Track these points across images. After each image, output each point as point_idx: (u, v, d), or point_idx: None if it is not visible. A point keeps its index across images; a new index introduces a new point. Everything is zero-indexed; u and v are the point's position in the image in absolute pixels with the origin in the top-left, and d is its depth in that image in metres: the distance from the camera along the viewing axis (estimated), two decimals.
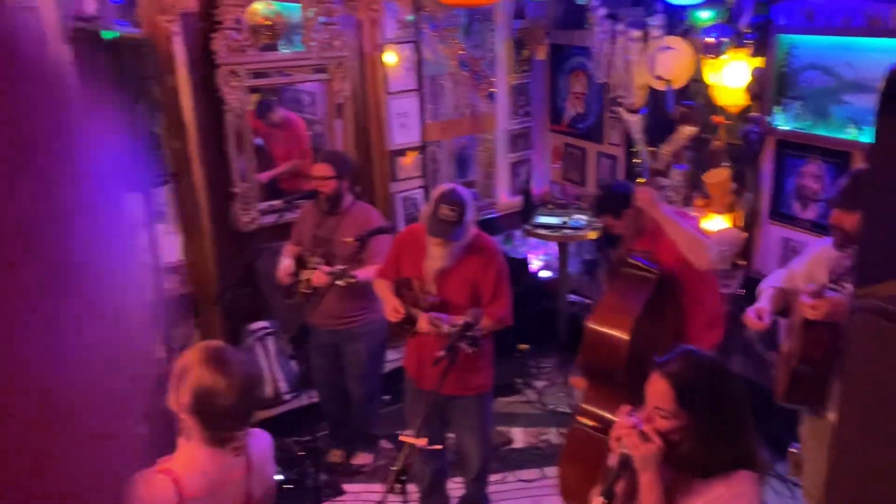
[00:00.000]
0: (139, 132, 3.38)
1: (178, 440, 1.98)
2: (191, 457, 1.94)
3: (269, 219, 4.68)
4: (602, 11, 4.94)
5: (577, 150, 6.01)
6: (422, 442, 2.57)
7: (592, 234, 5.34)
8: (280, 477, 4.03)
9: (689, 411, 1.97)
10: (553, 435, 4.75)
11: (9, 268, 0.36)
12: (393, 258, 3.58)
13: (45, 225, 0.38)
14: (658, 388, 2.01)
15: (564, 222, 5.39)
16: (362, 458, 4.52)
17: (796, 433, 3.31)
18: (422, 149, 5.46)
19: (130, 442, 0.49)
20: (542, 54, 5.90)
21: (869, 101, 3.82)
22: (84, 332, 0.41)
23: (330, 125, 5.04)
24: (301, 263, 4.05)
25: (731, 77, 4.28)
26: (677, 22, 4.63)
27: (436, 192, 3.31)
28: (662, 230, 3.20)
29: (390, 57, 5.10)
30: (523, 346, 5.56)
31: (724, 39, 4.25)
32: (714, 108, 4.50)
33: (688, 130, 3.46)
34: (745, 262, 4.56)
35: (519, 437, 4.79)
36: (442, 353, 2.89)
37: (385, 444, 4.60)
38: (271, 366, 4.74)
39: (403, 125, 5.32)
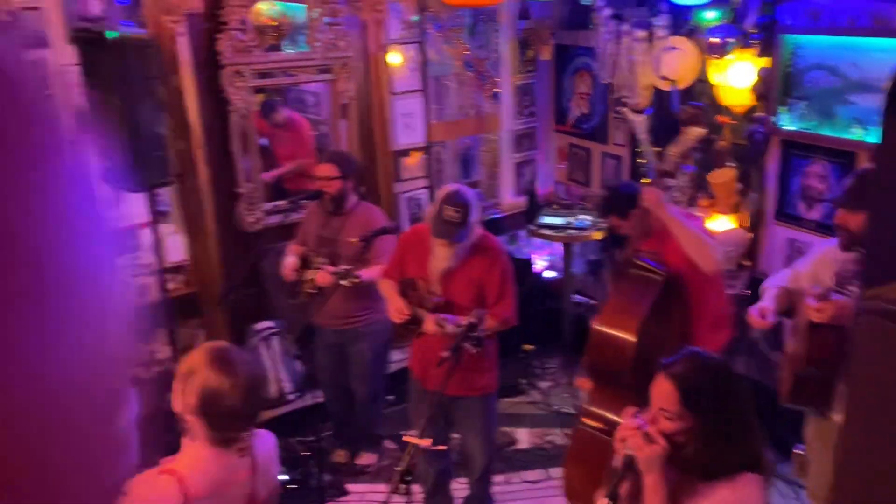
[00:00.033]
0: (144, 132, 3.39)
1: (183, 440, 1.98)
2: (196, 457, 1.95)
3: (274, 219, 4.69)
4: (607, 12, 4.93)
5: (582, 151, 6.00)
6: (426, 442, 2.57)
7: (597, 235, 5.33)
8: (284, 477, 4.02)
9: (694, 413, 1.96)
10: (558, 436, 4.75)
11: None
12: (397, 258, 3.58)
13: (28, 231, 0.39)
14: (663, 390, 2.01)
15: (569, 222, 5.38)
16: (366, 459, 4.52)
17: (801, 434, 3.30)
18: (426, 149, 5.46)
19: (117, 442, 0.49)
20: (546, 55, 5.90)
21: (874, 102, 3.81)
22: (67, 335, 0.41)
23: (334, 125, 5.05)
24: (306, 263, 4.05)
25: (737, 77, 4.27)
26: (682, 22, 4.63)
27: (440, 193, 3.31)
28: (669, 231, 3.20)
29: (395, 57, 5.11)
30: (528, 347, 5.56)
31: (730, 40, 4.24)
32: (719, 109, 4.49)
33: (695, 132, 3.45)
34: (750, 263, 4.55)
35: (523, 437, 4.78)
36: (446, 353, 2.89)
37: (389, 444, 4.60)
38: (276, 366, 4.75)
39: (408, 125, 5.32)
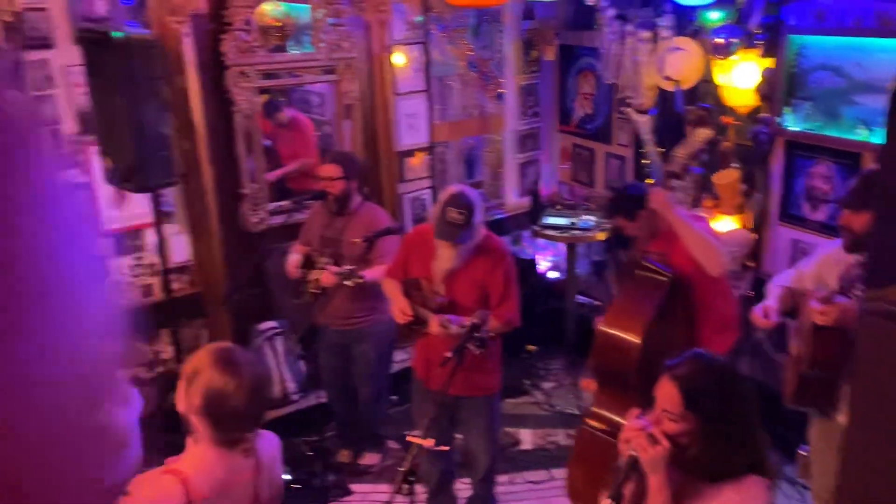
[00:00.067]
0: (149, 133, 3.39)
1: (187, 440, 1.98)
2: (200, 457, 1.95)
3: (278, 219, 4.69)
4: (611, 12, 4.92)
5: (586, 151, 6.00)
6: (429, 443, 2.57)
7: (601, 235, 5.33)
8: (288, 477, 4.04)
9: (697, 414, 1.96)
10: (561, 436, 4.75)
11: None
12: (401, 258, 3.58)
13: (6, 244, 0.39)
14: (666, 391, 2.01)
15: (573, 223, 5.38)
16: (370, 459, 4.52)
17: (805, 435, 3.29)
18: (430, 149, 5.46)
19: (107, 440, 0.50)
20: (550, 55, 5.90)
21: (879, 102, 3.80)
22: (47, 340, 0.42)
23: (338, 126, 5.05)
24: (309, 264, 4.06)
25: (741, 78, 4.26)
26: (686, 23, 4.62)
27: (443, 195, 3.31)
28: (676, 232, 3.19)
29: (399, 58, 5.11)
30: (531, 348, 5.56)
31: (734, 40, 4.23)
32: (724, 109, 4.48)
33: (703, 133, 3.45)
34: (754, 264, 4.55)
35: (527, 438, 4.78)
36: (449, 354, 2.89)
37: (393, 444, 4.60)
38: (280, 366, 4.75)
39: (412, 126, 5.32)
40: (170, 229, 4.41)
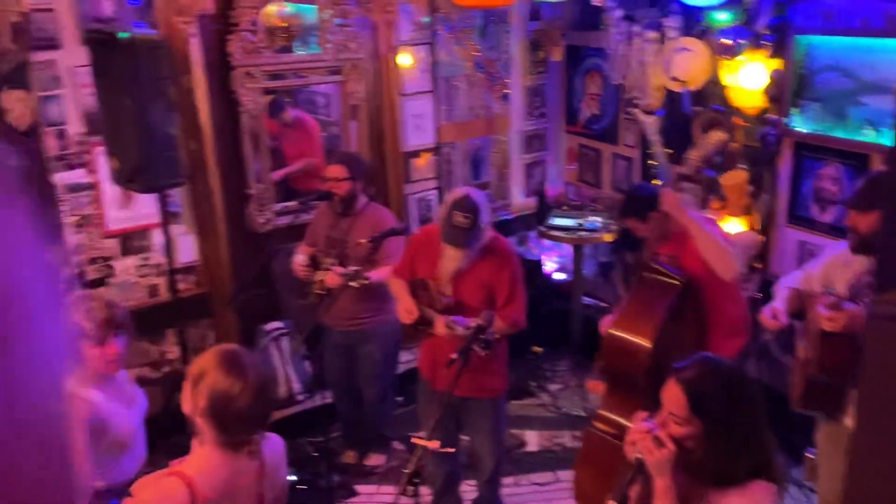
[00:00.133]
0: (155, 133, 3.40)
1: (193, 443, 1.98)
2: (205, 459, 1.95)
3: (284, 220, 4.69)
4: (618, 13, 4.91)
5: (593, 152, 5.98)
6: (434, 444, 2.57)
7: (607, 237, 5.31)
8: (293, 477, 4.04)
9: (702, 418, 1.95)
10: (567, 438, 4.73)
11: None
12: (408, 258, 3.58)
13: None
14: (672, 394, 2.00)
15: (579, 224, 5.37)
16: (375, 460, 4.52)
17: (813, 438, 3.27)
18: (436, 150, 5.46)
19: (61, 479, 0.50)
20: (557, 55, 5.88)
21: (888, 103, 3.79)
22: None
23: (345, 127, 5.06)
24: (315, 264, 4.06)
25: (749, 79, 4.25)
26: (694, 23, 4.60)
27: (449, 198, 3.30)
28: (688, 235, 3.17)
29: (405, 58, 5.10)
30: (537, 349, 5.55)
31: (742, 41, 4.22)
32: (731, 111, 4.46)
33: (717, 136, 3.43)
34: (761, 266, 4.53)
35: (532, 439, 4.77)
36: (455, 355, 2.88)
37: (398, 445, 4.60)
38: (285, 366, 4.76)
39: (418, 126, 5.32)
40: (176, 230, 4.42)
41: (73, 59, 3.96)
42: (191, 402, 1.92)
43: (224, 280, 4.60)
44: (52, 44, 3.93)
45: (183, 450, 2.02)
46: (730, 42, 4.24)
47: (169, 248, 3.83)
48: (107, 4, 4.03)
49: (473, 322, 3.04)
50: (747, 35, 4.23)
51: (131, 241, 4.37)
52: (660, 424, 2.03)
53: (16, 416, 0.44)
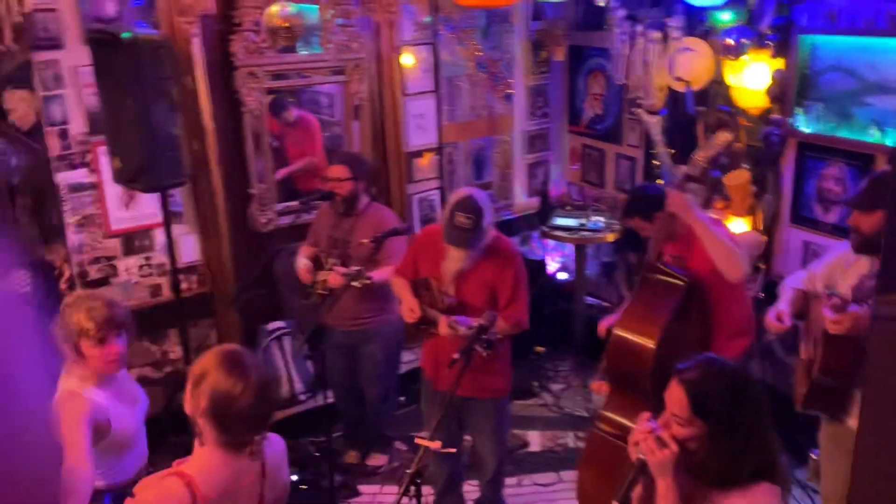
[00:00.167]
0: (157, 133, 3.39)
1: (194, 443, 1.98)
2: (206, 460, 1.94)
3: (286, 220, 4.70)
4: (621, 13, 4.91)
5: (596, 152, 5.98)
6: (436, 445, 2.56)
7: (610, 237, 5.31)
8: (295, 477, 4.04)
9: (704, 419, 1.94)
10: (569, 438, 4.73)
11: None
12: (410, 258, 3.57)
13: None
14: (675, 395, 1.99)
15: (582, 224, 5.37)
16: (377, 460, 4.52)
17: (816, 439, 3.26)
18: (439, 150, 5.46)
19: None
20: (560, 55, 5.88)
21: (892, 103, 3.78)
22: None
23: (347, 127, 5.06)
24: (317, 264, 4.06)
25: (752, 79, 4.24)
26: (697, 23, 4.59)
27: (452, 199, 3.29)
28: (694, 235, 3.15)
29: (408, 58, 5.10)
30: (540, 349, 5.55)
31: (745, 41, 4.21)
32: (735, 110, 4.45)
33: (724, 137, 3.40)
34: (765, 266, 4.52)
35: (535, 440, 4.76)
36: (457, 355, 2.88)
37: (400, 445, 4.60)
38: (287, 366, 4.76)
39: (420, 126, 5.32)
40: (178, 229, 4.42)
41: (75, 58, 3.96)
42: (192, 403, 1.92)
43: (226, 280, 4.60)
44: (54, 44, 3.93)
45: (185, 450, 2.02)
46: (733, 42, 4.23)
47: (171, 247, 3.82)
48: (109, 4, 4.03)
49: (476, 322, 3.03)
50: (751, 35, 4.22)
51: (133, 240, 4.38)
52: (662, 425, 2.02)
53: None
